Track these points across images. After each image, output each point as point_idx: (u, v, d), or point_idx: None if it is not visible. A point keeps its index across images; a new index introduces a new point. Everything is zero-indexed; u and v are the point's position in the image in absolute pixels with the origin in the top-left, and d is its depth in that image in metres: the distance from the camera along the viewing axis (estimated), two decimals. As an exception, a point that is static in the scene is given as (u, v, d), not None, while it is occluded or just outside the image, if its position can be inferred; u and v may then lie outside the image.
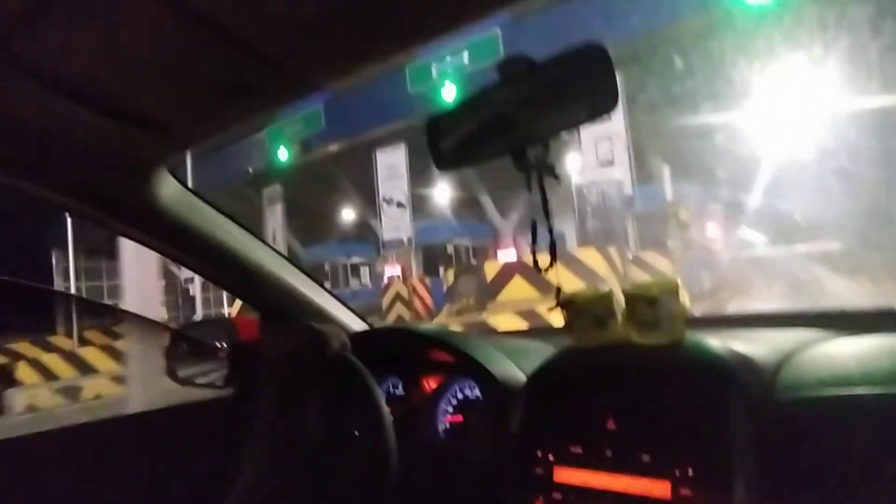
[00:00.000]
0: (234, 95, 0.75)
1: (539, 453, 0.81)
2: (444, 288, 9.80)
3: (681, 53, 8.94)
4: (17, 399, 7.46)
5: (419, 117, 10.50)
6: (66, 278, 14.20)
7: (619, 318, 0.82)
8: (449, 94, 10.47)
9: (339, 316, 1.29)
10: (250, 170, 14.49)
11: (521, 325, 6.23)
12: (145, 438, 1.24)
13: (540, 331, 1.19)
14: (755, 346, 0.80)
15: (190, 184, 1.08)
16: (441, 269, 14.49)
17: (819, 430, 0.66)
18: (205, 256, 1.14)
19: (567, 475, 0.78)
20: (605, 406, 0.77)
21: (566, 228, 9.84)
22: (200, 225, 1.08)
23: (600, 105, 0.70)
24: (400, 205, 12.26)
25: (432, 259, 15.33)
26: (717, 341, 0.78)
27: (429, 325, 1.30)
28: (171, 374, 1.27)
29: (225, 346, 1.25)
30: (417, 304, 10.98)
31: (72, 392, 7.64)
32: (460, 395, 1.06)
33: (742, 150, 10.41)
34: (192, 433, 1.17)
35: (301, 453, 0.92)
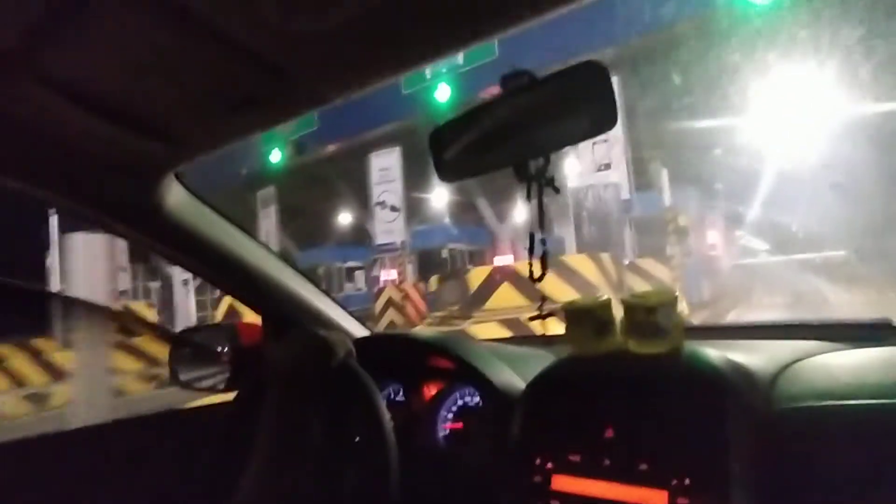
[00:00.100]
0: (243, 107, 0.77)
1: (537, 461, 0.81)
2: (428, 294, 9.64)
3: (680, 57, 8.89)
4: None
5: (414, 119, 10.50)
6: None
7: (618, 326, 0.82)
8: (443, 94, 10.39)
9: (341, 322, 1.31)
10: (243, 171, 14.39)
11: (504, 335, 6.05)
12: (145, 443, 1.25)
13: (540, 339, 1.20)
14: (753, 356, 0.81)
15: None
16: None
17: (816, 441, 0.67)
18: (210, 262, 1.16)
19: (565, 483, 0.79)
20: (604, 415, 0.78)
21: (566, 234, 9.71)
22: (206, 231, 1.11)
23: (600, 122, 0.72)
24: (394, 208, 12.18)
25: (428, 264, 15.21)
26: (715, 351, 0.78)
27: (430, 332, 1.47)
28: (174, 377, 1.28)
29: (228, 350, 1.26)
30: (410, 309, 10.86)
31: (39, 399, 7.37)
32: (460, 402, 1.07)
33: (743, 157, 10.39)
34: (193, 438, 1.17)
35: (303, 461, 0.92)
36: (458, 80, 10.25)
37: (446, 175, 0.86)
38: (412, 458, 0.92)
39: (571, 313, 0.86)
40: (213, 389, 1.26)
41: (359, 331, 1.34)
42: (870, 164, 9.35)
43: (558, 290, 6.16)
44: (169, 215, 1.03)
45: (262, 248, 1.23)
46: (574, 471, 0.78)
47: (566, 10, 0.61)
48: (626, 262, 8.54)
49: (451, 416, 1.07)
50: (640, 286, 7.60)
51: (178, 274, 13.21)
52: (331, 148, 13.72)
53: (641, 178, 10.46)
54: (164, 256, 1.19)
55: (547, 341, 1.19)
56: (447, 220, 16.93)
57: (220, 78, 0.71)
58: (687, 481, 0.68)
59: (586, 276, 6.59)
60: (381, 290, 11.52)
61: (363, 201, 13.87)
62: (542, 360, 0.96)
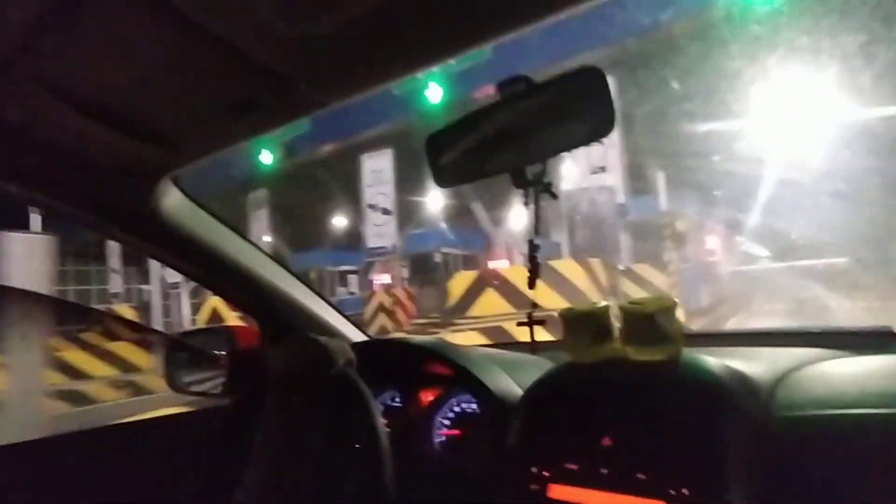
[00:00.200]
0: (242, 112, 0.78)
1: (534, 469, 0.81)
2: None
3: (679, 61, 8.79)
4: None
5: (406, 120, 10.35)
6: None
7: (616, 333, 0.82)
8: (436, 96, 10.21)
9: (338, 326, 1.32)
10: (234, 174, 14.18)
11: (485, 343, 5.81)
12: (141, 447, 1.24)
13: (538, 345, 1.19)
14: (753, 364, 0.81)
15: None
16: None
17: (817, 450, 0.67)
18: (207, 266, 1.16)
19: (562, 492, 0.78)
20: (602, 423, 0.78)
21: (563, 239, 9.54)
22: (203, 234, 1.11)
23: (598, 128, 0.72)
24: (386, 211, 12.03)
25: (422, 268, 15.03)
26: (714, 359, 0.79)
27: (428, 338, 1.27)
28: (170, 380, 1.28)
29: (225, 355, 1.26)
30: (400, 314, 10.64)
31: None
32: (458, 409, 1.07)
33: (742, 161, 10.33)
34: (191, 442, 1.16)
35: (302, 466, 0.92)
36: (450, 82, 10.09)
37: (443, 180, 0.86)
38: (410, 464, 0.94)
39: (569, 319, 0.85)
40: (209, 393, 1.26)
41: (356, 335, 1.35)
42: (871, 170, 9.28)
43: (545, 296, 5.95)
44: (166, 219, 1.03)
45: (258, 251, 1.23)
46: (571, 480, 0.78)
47: (566, 14, 0.61)
48: (622, 267, 8.35)
49: (448, 422, 1.07)
50: (635, 293, 7.47)
51: (169, 277, 13.01)
52: (323, 150, 13.58)
53: (638, 182, 10.36)
54: (160, 261, 1.19)
55: (545, 348, 1.18)
56: (442, 223, 16.79)
57: (218, 82, 0.72)
58: (685, 491, 0.68)
59: (575, 282, 6.37)
60: (371, 295, 11.43)
61: (356, 204, 13.73)
62: (539, 367, 0.97)
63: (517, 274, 6.42)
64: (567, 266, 6.52)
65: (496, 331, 5.96)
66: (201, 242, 1.11)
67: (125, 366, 7.92)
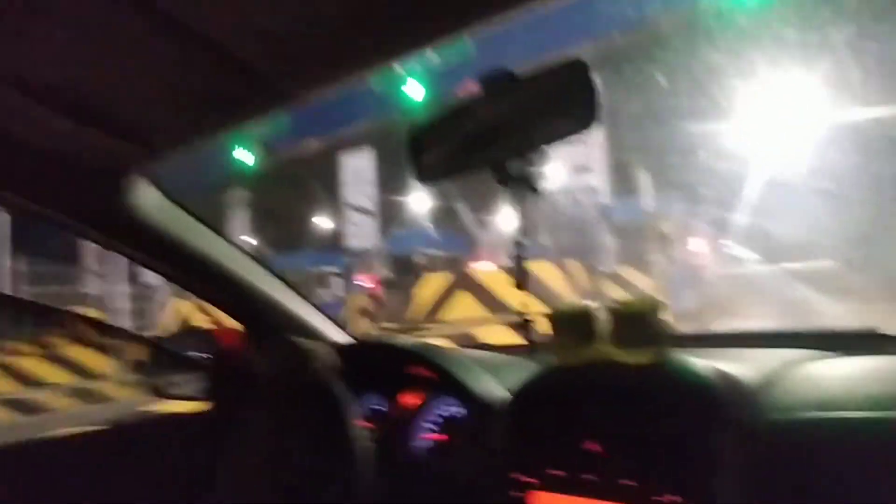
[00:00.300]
0: (214, 105, 0.77)
1: (520, 476, 0.80)
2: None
3: (665, 57, 8.64)
4: None
5: (388, 118, 10.15)
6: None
7: (603, 334, 0.82)
8: (418, 93, 10.00)
9: (322, 329, 1.31)
10: (211, 173, 13.91)
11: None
12: (119, 451, 1.23)
13: (524, 346, 1.18)
14: (741, 366, 0.82)
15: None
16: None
17: (806, 453, 0.67)
18: (186, 266, 1.15)
19: (545, 500, 0.78)
20: (588, 428, 0.78)
21: (549, 240, 9.37)
22: (182, 234, 1.09)
23: (581, 120, 0.73)
24: (367, 211, 11.80)
25: (404, 270, 14.83)
26: (702, 361, 0.79)
27: (413, 340, 1.28)
28: (148, 384, 1.27)
29: (206, 358, 1.24)
30: (379, 316, 10.42)
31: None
32: (444, 413, 1.06)
33: (729, 162, 10.27)
34: (165, 449, 1.17)
35: (278, 474, 0.91)
36: (433, 79, 9.91)
37: (423, 177, 0.86)
38: (395, 469, 0.95)
39: (556, 320, 0.86)
40: (189, 397, 1.24)
41: (341, 337, 1.34)
42: (860, 170, 9.20)
43: (516, 298, 5.71)
44: (140, 217, 1.01)
45: (240, 252, 1.22)
46: (555, 487, 0.77)
47: (543, 3, 0.60)
48: (606, 270, 8.17)
49: (434, 427, 1.06)
50: (619, 296, 7.28)
51: (147, 279, 12.70)
52: (303, 148, 13.33)
53: (623, 182, 10.22)
54: (136, 261, 1.18)
55: (531, 349, 1.17)
56: (427, 225, 16.60)
57: (187, 74, 0.71)
58: (673, 498, 0.68)
59: (549, 284, 6.13)
60: (351, 297, 11.34)
61: (338, 204, 13.54)
62: (526, 369, 0.96)
63: (492, 276, 6.18)
64: (542, 268, 6.27)
65: (464, 338, 5.65)
66: (179, 242, 1.08)
67: (83, 372, 7.62)
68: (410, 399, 1.11)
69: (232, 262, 1.18)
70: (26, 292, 12.24)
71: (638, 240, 9.67)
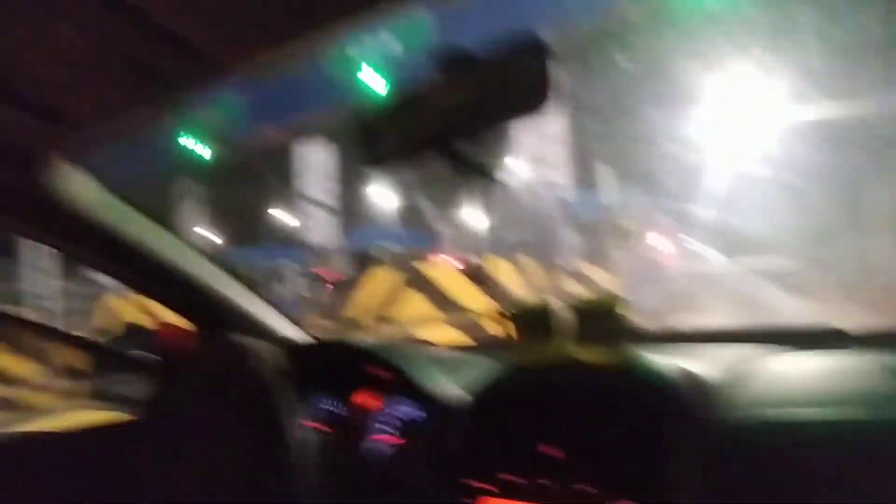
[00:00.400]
0: (141, 79, 0.73)
1: (473, 482, 0.79)
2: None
3: (627, 51, 8.53)
4: None
5: (345, 109, 9.83)
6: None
7: (564, 332, 0.81)
8: (375, 82, 9.68)
9: (278, 328, 1.26)
10: (159, 165, 13.36)
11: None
12: (56, 457, 1.18)
13: (486, 344, 1.17)
14: (703, 364, 0.82)
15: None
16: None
17: (766, 452, 0.67)
18: (128, 262, 1.09)
19: None
20: (547, 431, 0.76)
21: (511, 236, 9.22)
22: (120, 227, 1.03)
23: (537, 99, 0.70)
24: (325, 206, 11.47)
25: (364, 266, 14.59)
26: (664, 360, 0.79)
27: (370, 339, 1.31)
28: (89, 386, 1.23)
29: (152, 358, 1.20)
30: (334, 314, 10.13)
31: None
32: (402, 415, 1.03)
33: (694, 158, 10.26)
34: (97, 453, 1.13)
35: (216, 476, 0.90)
36: (389, 64, 9.62)
37: (372, 162, 0.83)
38: (350, 473, 0.94)
39: (517, 318, 0.86)
40: (133, 400, 1.16)
41: (297, 336, 1.30)
42: (823, 167, 9.28)
43: (470, 296, 5.45)
44: (67, 206, 0.95)
45: (188, 246, 1.15)
46: (509, 493, 0.76)
47: None
48: (566, 266, 8.02)
49: (391, 429, 1.03)
50: (580, 293, 7.14)
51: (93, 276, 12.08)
52: (260, 140, 12.86)
53: (585, 177, 10.13)
54: (70, 255, 1.12)
55: (492, 346, 1.17)
56: (389, 219, 16.37)
57: (111, 46, 0.66)
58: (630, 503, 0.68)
59: (503, 281, 5.90)
60: (309, 293, 10.89)
61: (297, 198, 13.15)
62: (485, 368, 0.95)
63: (444, 273, 5.91)
64: (496, 265, 6.03)
65: (406, 340, 5.37)
66: (117, 234, 1.03)
67: (4, 379, 7.10)
68: (367, 400, 1.08)
69: (179, 257, 1.13)
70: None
71: (599, 235, 9.61)
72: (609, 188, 11.27)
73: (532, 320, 0.84)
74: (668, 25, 7.87)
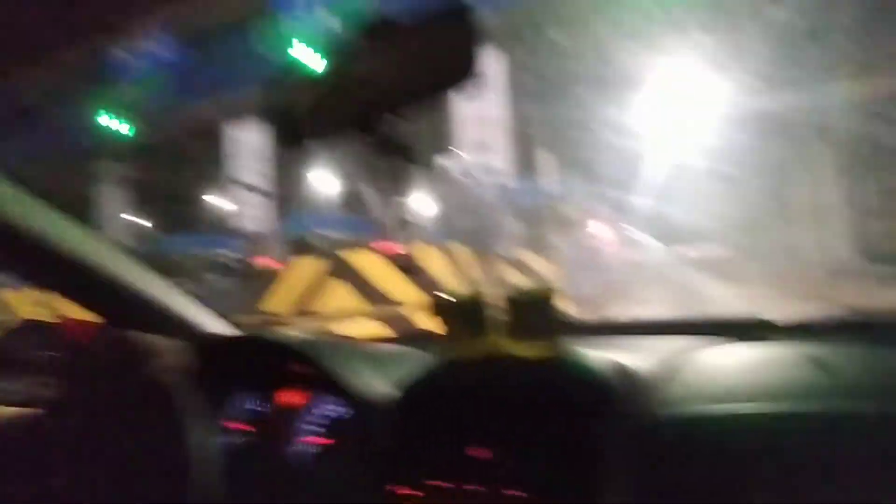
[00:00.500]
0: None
1: (396, 488, 0.76)
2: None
3: (567, 32, 8.34)
4: None
5: (277, 86, 9.35)
6: None
7: (496, 324, 0.79)
8: (307, 56, 9.24)
9: (200, 322, 1.19)
10: (77, 146, 12.46)
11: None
12: None
13: (418, 336, 1.14)
14: (636, 356, 0.82)
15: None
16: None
17: (697, 449, 0.66)
18: (24, 253, 1.00)
19: None
20: (476, 432, 0.74)
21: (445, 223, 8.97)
22: (7, 213, 0.95)
23: (465, 73, 0.67)
24: (259, 191, 10.94)
25: (304, 254, 14.16)
26: (597, 354, 0.79)
27: (294, 333, 1.35)
28: None
29: (46, 355, 1.11)
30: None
31: None
32: (329, 414, 0.99)
33: (633, 146, 10.27)
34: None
35: (108, 480, 0.86)
36: (322, 39, 9.20)
37: (289, 139, 0.80)
38: (274, 475, 0.91)
39: (447, 309, 0.83)
40: (30, 402, 1.09)
41: (221, 329, 1.22)
42: (758, 158, 9.44)
43: (399, 287, 5.17)
44: None
45: (86, 234, 1.07)
46: (435, 500, 0.73)
47: None
48: (505, 254, 7.86)
49: (316, 428, 0.98)
50: (519, 282, 6.98)
51: None
52: (188, 118, 12.13)
53: (525, 163, 10.03)
54: None
55: (422, 340, 1.12)
56: (330, 206, 15.96)
57: None
58: None
59: (434, 271, 5.65)
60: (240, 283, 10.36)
61: (231, 182, 12.50)
62: (415, 362, 0.93)
63: (370, 263, 5.61)
64: (427, 254, 5.76)
65: (324, 335, 5.05)
66: (13, 225, 0.93)
67: None
68: (291, 398, 1.03)
69: (84, 247, 1.05)
70: None
71: (539, 223, 9.54)
72: (550, 175, 11.25)
73: (463, 313, 0.82)
74: (610, 7, 7.80)
